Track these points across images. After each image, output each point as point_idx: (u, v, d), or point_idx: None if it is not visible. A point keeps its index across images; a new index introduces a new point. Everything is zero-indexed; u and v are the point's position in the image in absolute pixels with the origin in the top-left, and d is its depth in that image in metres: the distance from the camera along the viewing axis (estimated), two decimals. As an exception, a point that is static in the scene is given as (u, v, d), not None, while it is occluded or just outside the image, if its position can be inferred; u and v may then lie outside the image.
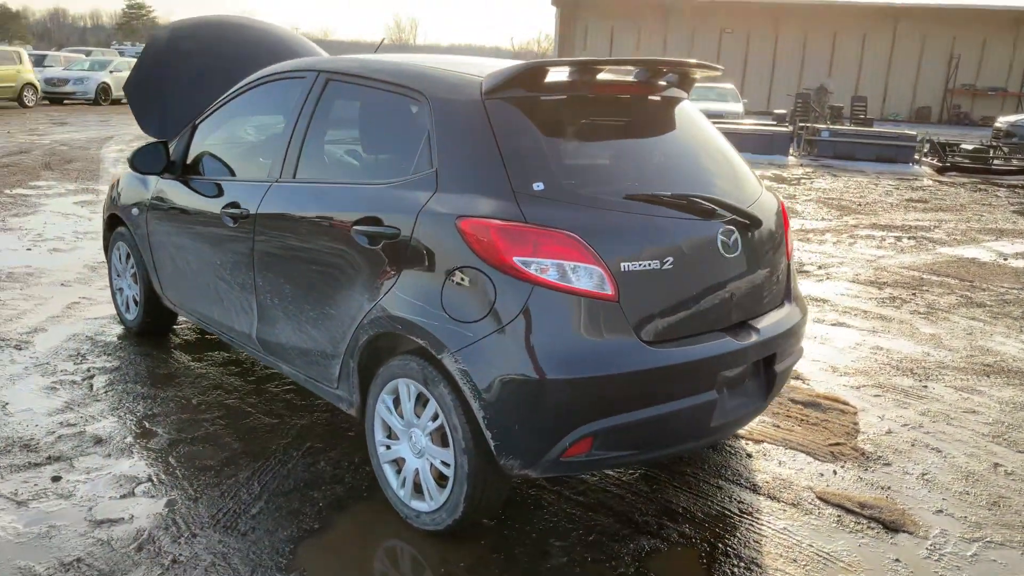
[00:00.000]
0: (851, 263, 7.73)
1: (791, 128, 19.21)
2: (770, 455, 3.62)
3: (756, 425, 3.89)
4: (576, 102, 2.90)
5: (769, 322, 2.98)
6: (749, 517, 3.09)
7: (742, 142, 14.44)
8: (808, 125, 20.04)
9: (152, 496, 3.08)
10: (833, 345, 5.24)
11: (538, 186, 2.57)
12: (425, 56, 3.51)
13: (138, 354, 4.60)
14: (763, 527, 3.02)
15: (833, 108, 23.69)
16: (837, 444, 3.77)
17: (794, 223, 9.61)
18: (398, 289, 2.73)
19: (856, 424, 4.03)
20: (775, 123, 19.65)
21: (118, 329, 4.99)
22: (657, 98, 3.16)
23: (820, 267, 7.53)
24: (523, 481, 3.21)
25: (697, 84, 3.43)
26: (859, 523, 3.09)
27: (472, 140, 2.68)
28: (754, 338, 2.84)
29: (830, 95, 27.42)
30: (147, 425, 3.70)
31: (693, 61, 3.15)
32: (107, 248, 5.00)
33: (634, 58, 3.01)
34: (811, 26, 37.43)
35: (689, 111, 3.26)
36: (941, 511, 3.20)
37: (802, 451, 3.67)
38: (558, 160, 2.76)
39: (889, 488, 3.37)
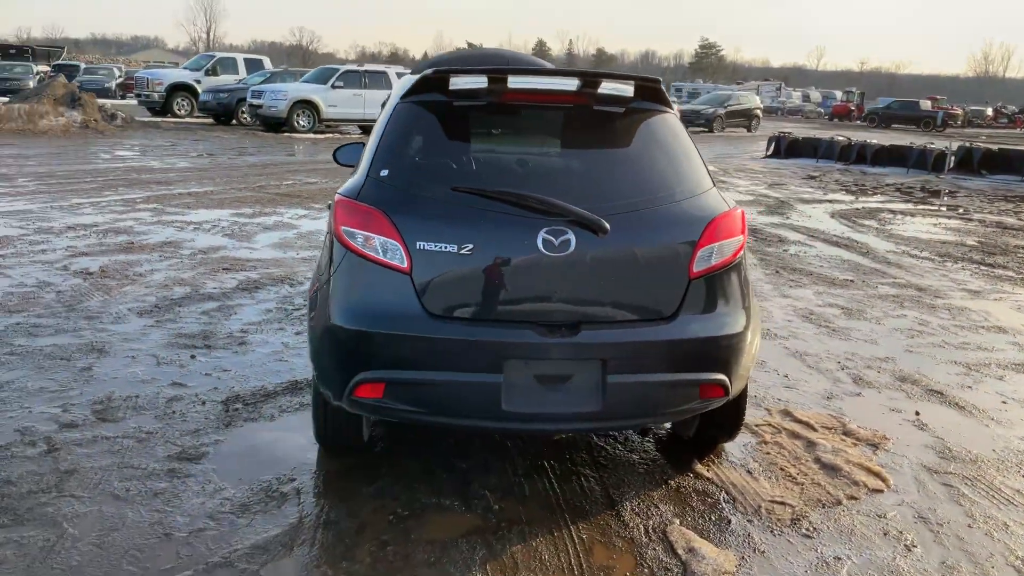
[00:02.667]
0: None
1: None
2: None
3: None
4: (483, 108, 3.11)
5: (611, 330, 2.84)
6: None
7: None
8: None
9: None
10: None
11: (384, 172, 2.94)
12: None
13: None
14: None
15: None
16: None
17: None
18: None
19: None
20: None
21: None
22: (570, 107, 3.16)
23: None
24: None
25: None
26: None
27: (376, 133, 3.16)
28: (570, 339, 2.78)
29: None
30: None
31: (602, 71, 3.12)
32: None
33: (548, 67, 3.16)
34: None
35: (614, 119, 3.17)
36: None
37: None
38: (420, 155, 3.07)
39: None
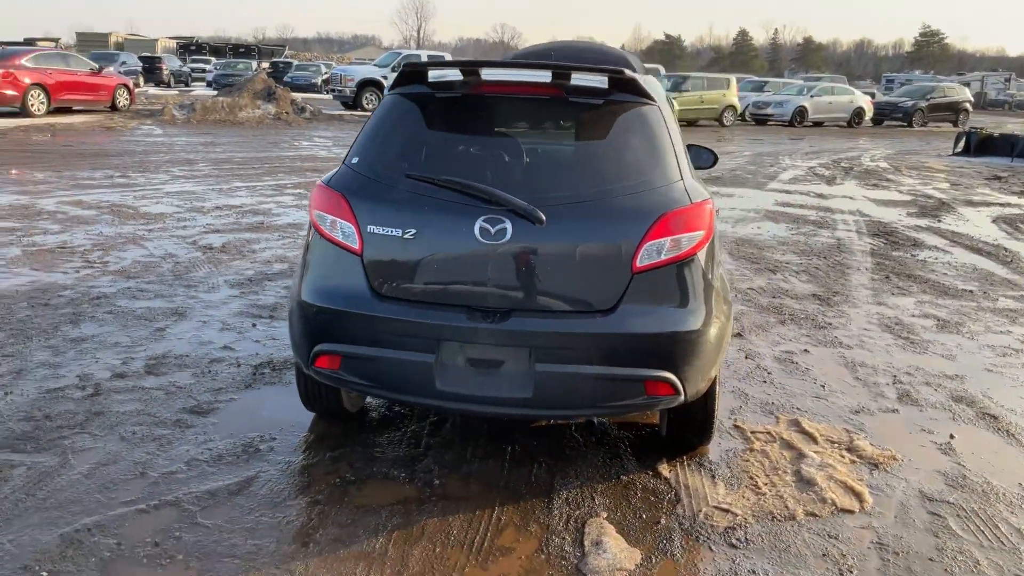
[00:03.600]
0: None
1: None
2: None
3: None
4: (460, 100, 3.21)
5: (541, 319, 2.88)
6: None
7: None
8: None
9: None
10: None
11: (355, 160, 3.16)
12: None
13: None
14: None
15: None
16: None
17: None
18: None
19: None
20: None
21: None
22: (546, 98, 3.19)
23: None
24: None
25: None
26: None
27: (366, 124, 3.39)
28: (499, 326, 2.86)
29: None
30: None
31: (575, 65, 3.11)
32: None
33: (520, 60, 3.20)
34: None
35: (589, 111, 3.17)
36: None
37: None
38: (391, 144, 3.19)
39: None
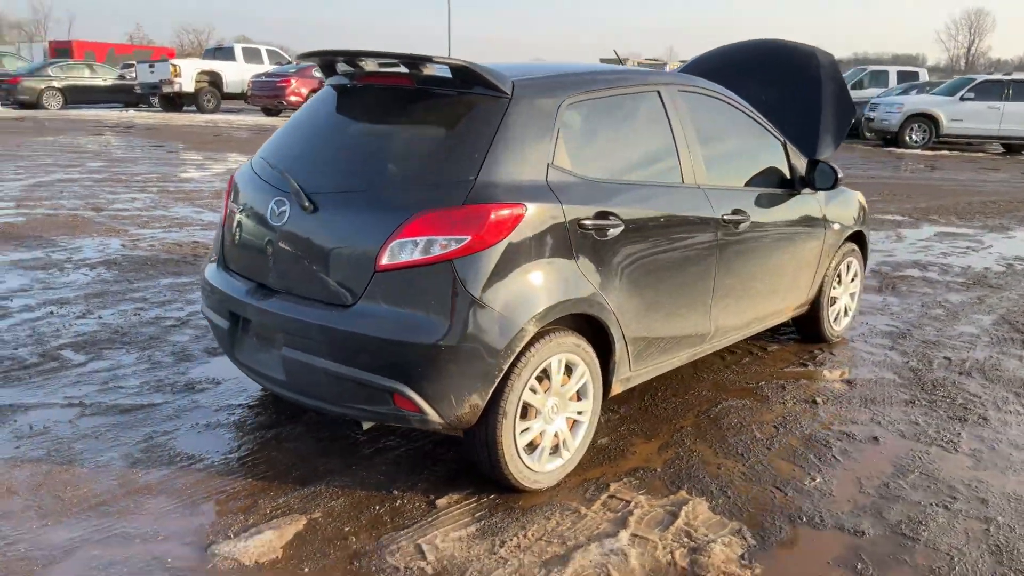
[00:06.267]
0: None
1: None
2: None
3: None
4: (350, 90, 3.38)
5: (291, 304, 2.96)
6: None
7: None
8: None
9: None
10: None
11: (261, 149, 3.46)
12: None
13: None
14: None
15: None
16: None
17: None
18: None
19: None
20: None
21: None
22: (408, 89, 3.17)
23: None
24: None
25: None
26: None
27: None
28: (260, 304, 3.04)
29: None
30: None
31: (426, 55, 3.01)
32: None
33: (391, 53, 3.13)
34: None
35: (435, 103, 3.11)
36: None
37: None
38: (287, 133, 3.43)
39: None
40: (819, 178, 4.42)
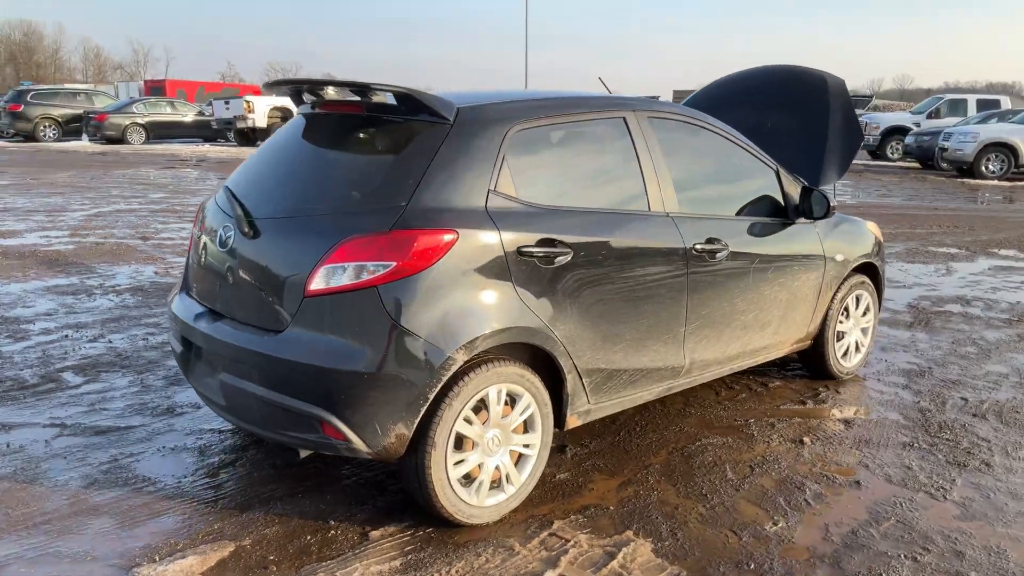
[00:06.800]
0: None
1: None
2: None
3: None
4: (312, 117, 3.42)
5: (229, 328, 3.00)
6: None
7: None
8: None
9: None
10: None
11: (229, 179, 3.41)
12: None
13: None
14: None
15: None
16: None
17: None
18: None
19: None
20: None
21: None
22: (359, 116, 3.21)
23: None
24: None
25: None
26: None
27: None
28: (203, 329, 3.08)
29: None
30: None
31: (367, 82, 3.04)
32: None
33: (347, 81, 3.16)
34: None
35: (383, 129, 3.12)
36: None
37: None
38: (255, 159, 3.47)
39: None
40: (814, 206, 4.25)
